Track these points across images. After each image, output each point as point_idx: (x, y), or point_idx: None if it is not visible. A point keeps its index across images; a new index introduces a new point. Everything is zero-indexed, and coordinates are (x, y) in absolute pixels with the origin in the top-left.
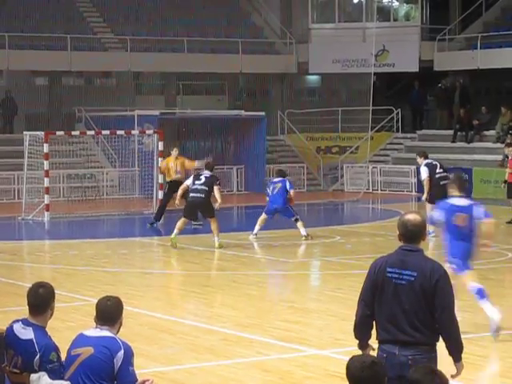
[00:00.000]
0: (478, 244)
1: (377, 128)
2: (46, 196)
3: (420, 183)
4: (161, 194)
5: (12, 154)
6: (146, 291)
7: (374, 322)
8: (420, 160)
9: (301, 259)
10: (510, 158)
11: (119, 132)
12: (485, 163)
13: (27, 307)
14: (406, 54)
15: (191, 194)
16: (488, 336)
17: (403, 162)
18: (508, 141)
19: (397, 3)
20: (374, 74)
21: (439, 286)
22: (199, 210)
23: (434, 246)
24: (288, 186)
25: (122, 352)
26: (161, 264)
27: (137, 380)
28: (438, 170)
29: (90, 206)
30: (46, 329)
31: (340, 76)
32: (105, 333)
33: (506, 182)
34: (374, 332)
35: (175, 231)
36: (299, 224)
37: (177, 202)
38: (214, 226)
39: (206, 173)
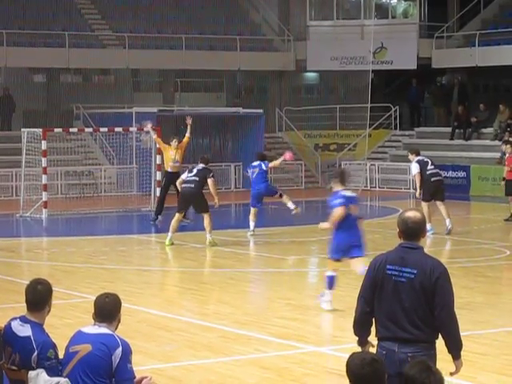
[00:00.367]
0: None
1: (375, 125)
2: (43, 193)
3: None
4: (159, 192)
5: (10, 151)
6: (144, 288)
7: (374, 319)
8: (411, 157)
9: (298, 256)
10: (507, 155)
11: (117, 129)
12: (483, 161)
13: (25, 304)
14: (404, 52)
15: (183, 185)
16: (486, 333)
17: (401, 159)
18: (506, 138)
19: (395, 0)
20: (372, 71)
21: (439, 284)
22: (191, 204)
23: (432, 243)
24: (264, 166)
25: (120, 349)
26: (158, 261)
27: (135, 377)
28: (429, 167)
29: (88, 203)
30: (44, 326)
31: (338, 73)
32: (103, 330)
33: (504, 179)
34: (373, 329)
35: (170, 234)
36: (284, 198)
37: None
38: (206, 221)
39: (200, 166)
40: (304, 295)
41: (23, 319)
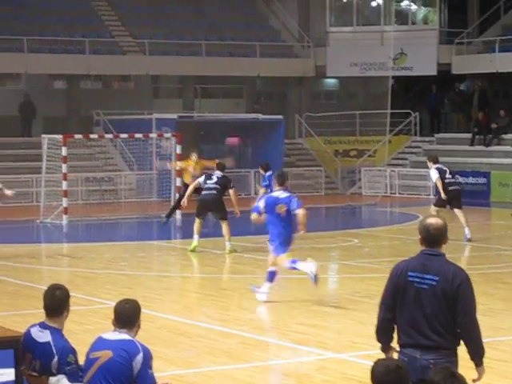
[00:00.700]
0: (295, 231)
1: (395, 131)
2: (64, 199)
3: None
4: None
5: (30, 158)
6: (164, 294)
7: (396, 326)
8: (430, 164)
9: (318, 262)
10: None
11: (137, 135)
12: (503, 167)
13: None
14: (424, 58)
15: (203, 192)
16: (507, 340)
17: (421, 165)
18: None
19: (415, 6)
20: (392, 77)
21: (461, 290)
22: (211, 210)
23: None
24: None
25: (141, 355)
26: (178, 267)
27: (155, 382)
28: (447, 176)
29: (108, 209)
30: (64, 331)
31: (358, 79)
32: (123, 336)
33: None
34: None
35: (195, 236)
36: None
37: (184, 199)
38: (225, 229)
39: (218, 173)
40: (324, 301)
41: (42, 325)
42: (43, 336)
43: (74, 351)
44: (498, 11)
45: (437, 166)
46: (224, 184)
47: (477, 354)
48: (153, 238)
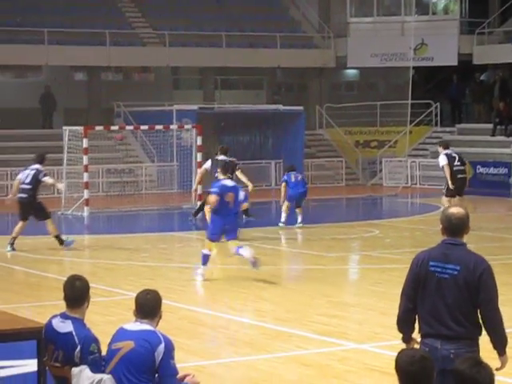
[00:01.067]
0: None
1: (415, 122)
2: (85, 191)
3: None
4: (200, 189)
5: (51, 150)
6: (186, 285)
7: (417, 316)
8: (440, 149)
9: (339, 253)
10: None
11: (158, 127)
12: None
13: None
14: (445, 48)
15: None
16: None
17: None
18: None
19: None
20: (413, 67)
21: (483, 280)
22: None
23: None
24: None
25: (162, 345)
26: (199, 258)
27: (177, 373)
28: (456, 163)
29: (129, 201)
30: (85, 322)
31: (378, 70)
32: (145, 326)
33: None
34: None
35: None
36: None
37: (195, 186)
38: None
39: (222, 157)
40: (345, 292)
41: (64, 316)
42: (65, 326)
43: (96, 340)
44: None
45: (446, 151)
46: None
47: (499, 344)
48: (174, 229)
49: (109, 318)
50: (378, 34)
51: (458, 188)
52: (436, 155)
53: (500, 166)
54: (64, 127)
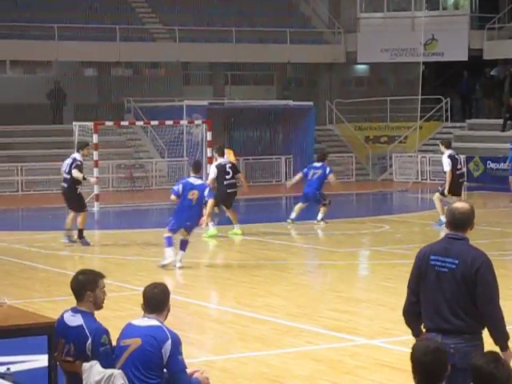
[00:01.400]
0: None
1: (426, 117)
2: (95, 186)
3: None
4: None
5: (61, 145)
6: (195, 281)
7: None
8: (443, 148)
9: (350, 249)
10: None
11: (168, 122)
12: None
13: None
14: (455, 43)
15: (229, 190)
16: None
17: None
18: None
19: None
20: (423, 63)
21: (480, 274)
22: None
23: (482, 236)
24: (328, 172)
25: (169, 342)
26: (209, 254)
27: (186, 367)
28: (458, 166)
29: (139, 196)
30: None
31: (389, 65)
32: (152, 322)
33: None
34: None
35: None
36: (323, 209)
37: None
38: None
39: (225, 161)
40: (356, 288)
41: (74, 310)
42: (75, 320)
43: (107, 332)
44: None
45: (450, 152)
46: (237, 172)
47: (500, 338)
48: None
49: (119, 313)
50: (388, 29)
51: (456, 190)
52: None
53: (510, 161)
54: (74, 123)
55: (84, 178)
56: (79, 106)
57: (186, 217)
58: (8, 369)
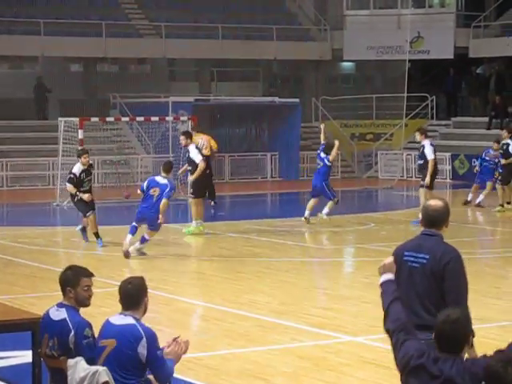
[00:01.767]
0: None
1: (411, 115)
2: None
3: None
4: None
5: (47, 141)
6: (181, 277)
7: None
8: (421, 137)
9: (335, 246)
10: None
11: (153, 118)
12: None
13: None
14: (441, 41)
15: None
16: None
17: (438, 149)
18: None
19: None
20: (409, 60)
21: (448, 268)
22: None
23: (468, 233)
24: (327, 162)
25: (144, 340)
26: (195, 250)
27: (165, 360)
28: (436, 154)
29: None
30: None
31: (375, 63)
32: (127, 320)
33: None
34: None
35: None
36: (330, 204)
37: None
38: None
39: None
40: (341, 285)
41: (59, 305)
42: (59, 314)
43: (89, 325)
44: None
45: (430, 141)
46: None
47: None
48: (169, 221)
49: (104, 309)
50: (374, 26)
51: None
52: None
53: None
54: (60, 118)
55: (76, 194)
56: (65, 102)
57: (146, 209)
58: None
